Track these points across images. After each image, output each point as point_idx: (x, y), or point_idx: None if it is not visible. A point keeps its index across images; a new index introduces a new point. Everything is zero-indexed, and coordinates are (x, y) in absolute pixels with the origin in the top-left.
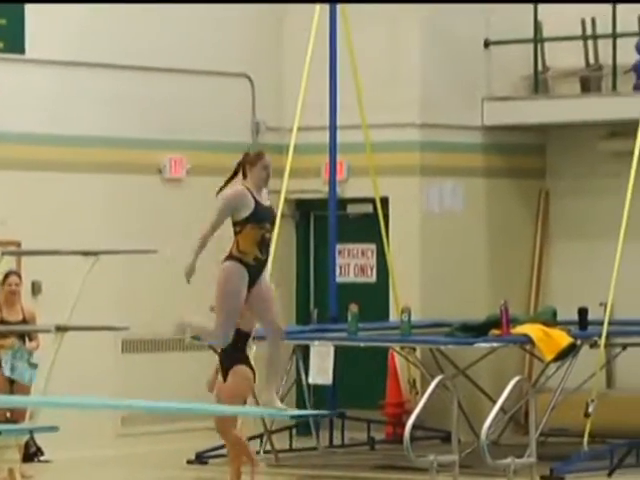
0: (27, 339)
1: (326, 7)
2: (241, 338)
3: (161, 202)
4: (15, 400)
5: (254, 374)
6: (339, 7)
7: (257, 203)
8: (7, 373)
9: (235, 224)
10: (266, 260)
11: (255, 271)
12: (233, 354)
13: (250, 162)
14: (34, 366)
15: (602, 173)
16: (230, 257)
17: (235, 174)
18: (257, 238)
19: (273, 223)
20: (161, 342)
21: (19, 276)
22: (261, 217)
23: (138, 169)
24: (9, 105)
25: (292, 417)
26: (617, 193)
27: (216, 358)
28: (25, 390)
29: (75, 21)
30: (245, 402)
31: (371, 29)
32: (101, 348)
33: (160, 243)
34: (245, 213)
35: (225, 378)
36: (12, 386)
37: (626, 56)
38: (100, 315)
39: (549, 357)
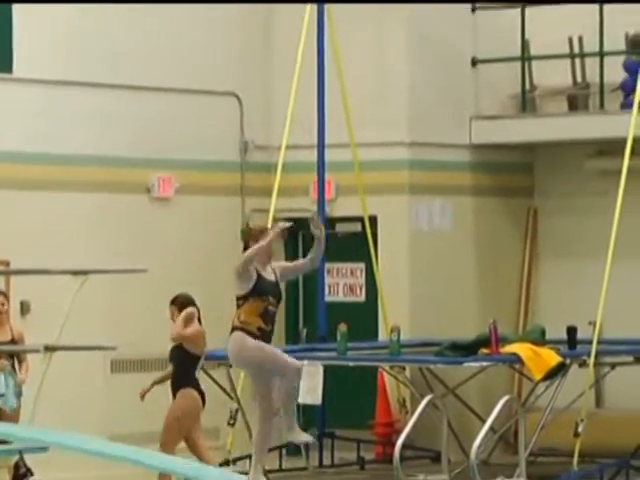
0: (16, 359)
1: (314, 26)
2: (191, 361)
3: (150, 221)
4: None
5: (203, 398)
6: (327, 26)
7: (260, 277)
8: None
9: (237, 299)
10: (271, 332)
11: (262, 341)
12: (182, 376)
13: (254, 238)
14: (19, 393)
15: (590, 191)
16: (233, 329)
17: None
18: (260, 310)
19: (279, 299)
20: (150, 362)
21: (5, 296)
22: (263, 290)
23: (126, 188)
24: None
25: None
26: (605, 211)
27: (205, 377)
28: (12, 417)
29: (63, 39)
30: (192, 424)
31: (359, 47)
32: (90, 368)
33: (149, 262)
34: (247, 285)
35: (174, 398)
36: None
37: (613, 74)
38: (89, 335)
39: (538, 376)
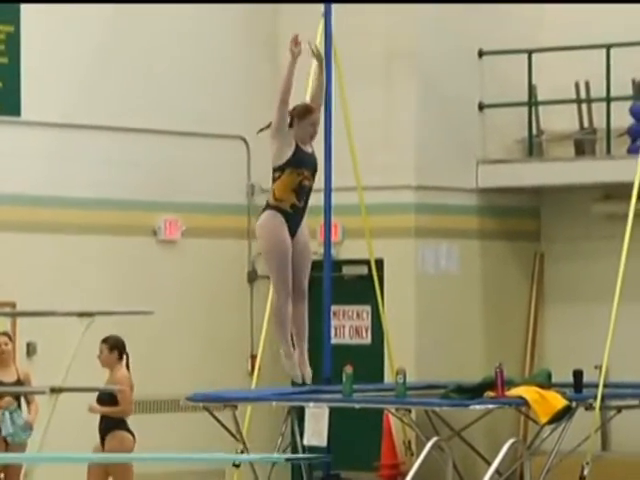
0: (24, 400)
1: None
2: (115, 403)
3: (156, 263)
4: (9, 457)
5: (133, 436)
6: (334, 71)
7: (298, 147)
8: (4, 433)
9: (274, 170)
10: (304, 208)
11: (293, 219)
12: (113, 418)
13: (298, 115)
14: (28, 429)
15: (596, 235)
16: (267, 207)
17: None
18: (294, 185)
19: (314, 172)
20: (156, 403)
21: (9, 337)
22: (300, 162)
23: (133, 231)
24: (4, 167)
25: (287, 460)
26: (611, 255)
27: (210, 419)
28: (19, 451)
29: (71, 83)
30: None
31: (366, 92)
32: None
33: (155, 304)
34: (285, 157)
35: (102, 443)
36: (7, 446)
37: (620, 119)
38: (95, 376)
39: (544, 419)
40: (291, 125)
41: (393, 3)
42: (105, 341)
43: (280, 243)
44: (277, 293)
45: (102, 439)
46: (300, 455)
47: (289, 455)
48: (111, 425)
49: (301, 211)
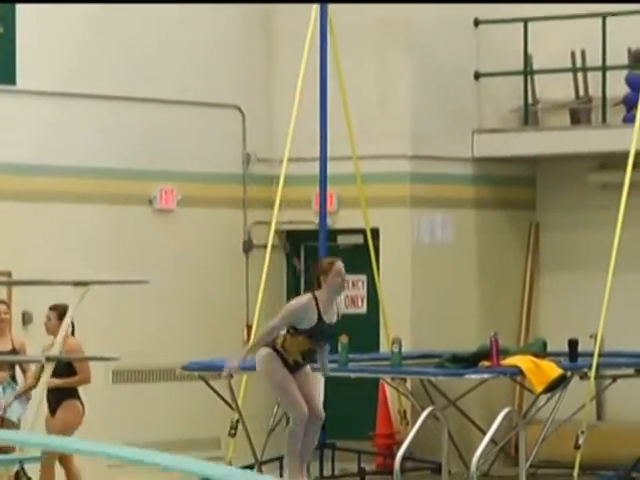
0: (20, 370)
1: (317, 39)
2: (74, 372)
3: (152, 233)
4: (2, 437)
5: (82, 406)
6: (330, 39)
7: (320, 320)
8: None
9: (290, 327)
10: (305, 365)
11: (293, 368)
12: (65, 388)
13: (323, 270)
14: (24, 402)
15: (592, 205)
16: (273, 345)
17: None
18: (304, 349)
19: (330, 339)
20: (152, 372)
21: (7, 305)
22: (318, 336)
23: (129, 200)
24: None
25: None
26: (607, 225)
27: (207, 388)
28: (14, 427)
29: (65, 52)
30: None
31: (361, 61)
32: (92, 379)
33: (151, 273)
34: (305, 326)
35: (53, 412)
36: (1, 421)
37: (616, 88)
38: (90, 345)
39: (539, 388)
40: (320, 286)
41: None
42: (54, 308)
43: (282, 379)
44: (292, 418)
45: (53, 410)
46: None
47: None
48: (64, 395)
49: (301, 365)
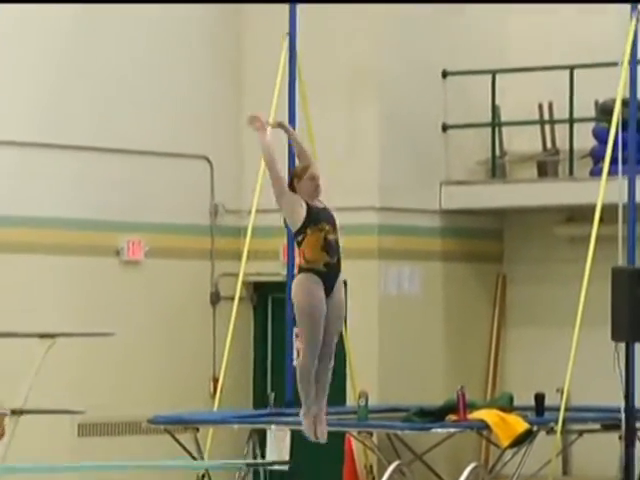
0: None
1: (285, 91)
2: None
3: (119, 284)
4: None
5: None
6: (298, 91)
7: (310, 205)
8: None
9: (296, 235)
10: (338, 263)
11: (328, 277)
12: None
13: (297, 175)
14: None
15: (559, 258)
16: (300, 270)
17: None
18: (320, 242)
19: (334, 224)
20: (118, 425)
21: None
22: (317, 217)
23: (96, 251)
24: None
25: (248, 465)
26: (574, 279)
27: (172, 441)
28: None
29: (35, 102)
30: None
31: (330, 111)
32: (57, 432)
33: (118, 325)
34: (300, 216)
35: None
36: None
37: (583, 141)
38: (56, 398)
39: (505, 443)
40: (294, 189)
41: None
42: None
43: (315, 304)
44: (307, 352)
45: None
46: (259, 461)
47: (250, 461)
48: None
49: (335, 267)
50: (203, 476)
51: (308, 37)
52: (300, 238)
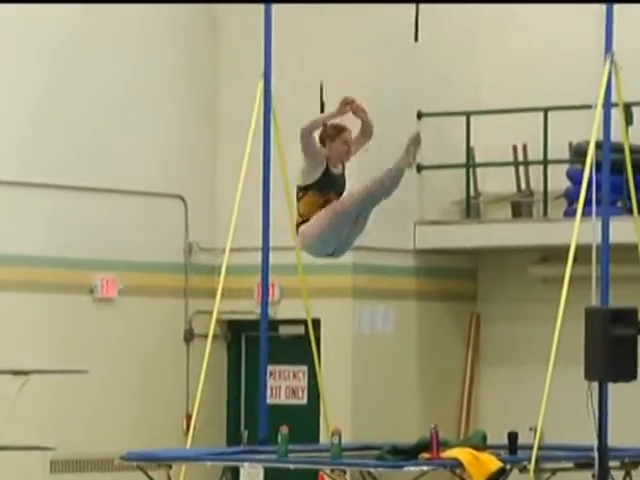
0: None
1: (260, 131)
2: None
3: (92, 322)
4: None
5: None
6: (273, 130)
7: (327, 170)
8: None
9: (298, 189)
10: None
11: None
12: None
13: (329, 136)
14: None
15: (533, 298)
16: (298, 227)
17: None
18: (318, 204)
19: (341, 192)
20: (90, 462)
21: None
22: (325, 185)
23: (69, 289)
24: None
25: None
26: (547, 319)
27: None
28: None
29: (9, 140)
30: None
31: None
32: (30, 468)
33: (91, 362)
34: (311, 177)
35: None
36: None
37: (557, 182)
38: (29, 435)
39: None
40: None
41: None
42: None
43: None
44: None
45: None
46: None
47: None
48: None
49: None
50: None
51: (284, 77)
52: (300, 195)
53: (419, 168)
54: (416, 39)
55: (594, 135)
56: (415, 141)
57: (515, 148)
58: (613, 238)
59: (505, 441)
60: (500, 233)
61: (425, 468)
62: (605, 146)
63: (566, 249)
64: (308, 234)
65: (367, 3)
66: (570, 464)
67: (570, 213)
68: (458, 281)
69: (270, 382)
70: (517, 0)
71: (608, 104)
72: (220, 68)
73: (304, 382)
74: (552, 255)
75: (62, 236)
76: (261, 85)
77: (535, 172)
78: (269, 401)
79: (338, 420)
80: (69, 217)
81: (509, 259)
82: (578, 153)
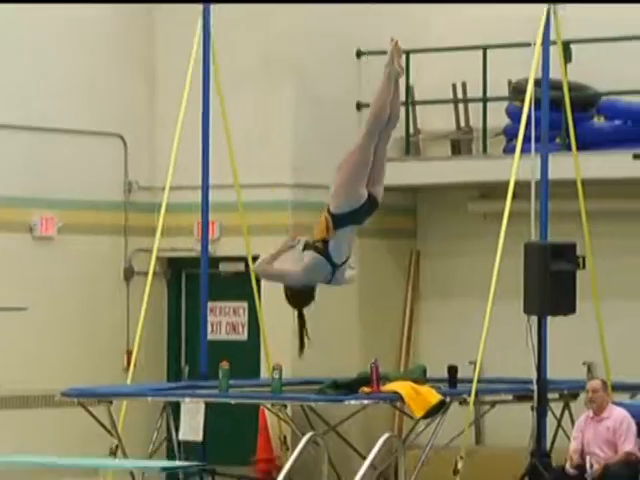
0: None
1: (200, 68)
2: None
3: (32, 260)
4: None
5: None
6: (212, 69)
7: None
8: None
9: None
10: None
11: None
12: None
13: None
14: None
15: (472, 234)
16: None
17: None
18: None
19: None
20: (31, 399)
21: None
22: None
23: (8, 227)
24: None
25: (163, 469)
26: (486, 254)
27: (86, 415)
28: None
29: None
30: None
31: (244, 90)
32: None
33: (31, 300)
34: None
35: None
36: None
37: (496, 120)
38: None
39: (419, 414)
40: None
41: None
42: None
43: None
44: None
45: None
46: (176, 463)
47: (165, 464)
48: None
49: None
50: (117, 447)
51: (222, 20)
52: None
53: (359, 106)
54: None
55: (533, 73)
56: (395, 49)
57: (454, 86)
58: (552, 174)
59: (445, 375)
60: (439, 170)
61: (366, 402)
62: (544, 83)
63: (505, 185)
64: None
65: None
66: (509, 397)
67: (509, 150)
68: (398, 218)
69: (210, 318)
70: None
71: (547, 42)
72: (159, 9)
73: (244, 318)
74: (492, 192)
75: (1, 175)
76: (200, 23)
77: (474, 110)
78: (209, 337)
79: (279, 356)
80: (9, 156)
81: (449, 196)
82: (517, 90)
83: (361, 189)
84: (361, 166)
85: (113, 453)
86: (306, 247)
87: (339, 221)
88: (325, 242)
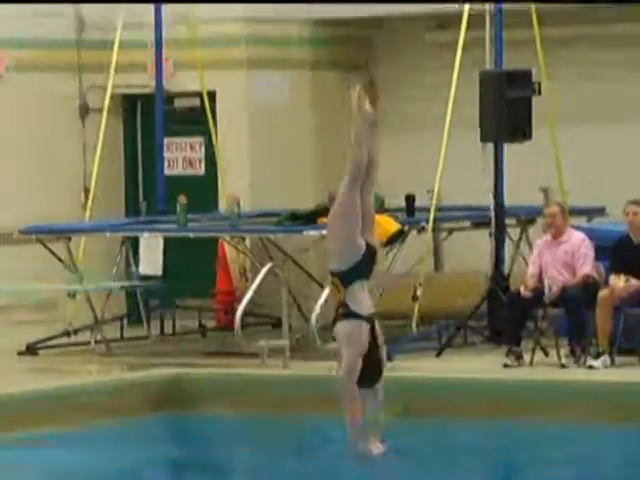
0: None
1: None
2: None
3: None
4: None
5: None
6: None
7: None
8: None
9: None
10: None
11: None
12: None
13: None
14: None
15: (429, 65)
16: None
17: None
18: None
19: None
20: None
21: None
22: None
23: None
24: None
25: (122, 288)
26: (444, 84)
27: (45, 252)
28: None
29: None
30: None
31: None
32: None
33: None
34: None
35: None
36: None
37: None
38: None
39: None
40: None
41: None
42: None
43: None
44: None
45: None
46: (135, 282)
47: (124, 283)
48: None
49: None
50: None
51: None
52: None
53: None
54: None
55: None
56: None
57: None
58: (506, 3)
59: (403, 204)
60: (395, 1)
61: (324, 232)
62: None
63: (461, 15)
64: None
65: None
66: (467, 223)
67: None
68: (353, 50)
69: (167, 155)
70: None
71: None
72: None
73: (201, 153)
74: (448, 22)
75: None
76: None
77: None
78: (166, 172)
79: (236, 190)
80: None
81: (405, 26)
82: None
83: (358, 239)
84: (352, 214)
85: (72, 296)
86: (334, 321)
87: (345, 278)
88: (345, 304)
